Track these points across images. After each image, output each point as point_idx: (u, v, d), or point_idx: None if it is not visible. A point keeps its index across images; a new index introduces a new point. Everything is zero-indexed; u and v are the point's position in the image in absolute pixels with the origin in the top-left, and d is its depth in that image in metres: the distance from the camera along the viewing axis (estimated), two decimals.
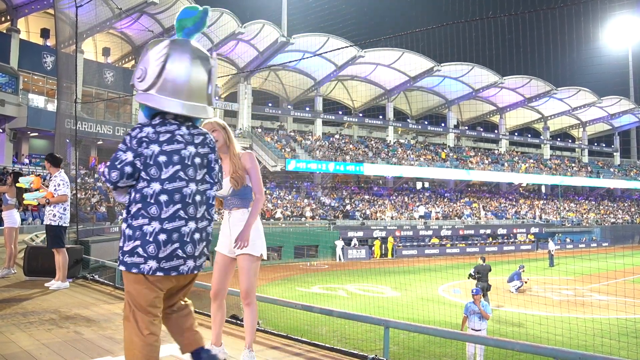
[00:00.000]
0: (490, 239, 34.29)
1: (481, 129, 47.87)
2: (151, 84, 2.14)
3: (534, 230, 36.79)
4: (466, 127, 47.88)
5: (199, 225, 2.20)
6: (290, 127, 40.70)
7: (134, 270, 2.08)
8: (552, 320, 11.08)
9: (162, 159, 2.11)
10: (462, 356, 8.18)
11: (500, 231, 35.40)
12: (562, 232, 38.30)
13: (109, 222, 18.14)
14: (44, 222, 6.07)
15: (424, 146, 43.55)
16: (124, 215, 2.17)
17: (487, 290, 13.46)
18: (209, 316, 4.00)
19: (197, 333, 2.36)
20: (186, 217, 2.14)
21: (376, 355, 3.28)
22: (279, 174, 35.04)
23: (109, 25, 28.72)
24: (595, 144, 54.26)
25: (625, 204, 49.42)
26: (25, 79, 25.41)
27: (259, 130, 36.94)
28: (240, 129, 35.89)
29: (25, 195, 6.16)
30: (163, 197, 2.10)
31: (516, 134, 49.96)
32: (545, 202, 45.34)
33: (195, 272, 2.23)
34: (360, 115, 43.15)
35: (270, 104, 39.71)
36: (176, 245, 2.11)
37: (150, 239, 2.07)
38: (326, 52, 32.43)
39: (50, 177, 6.16)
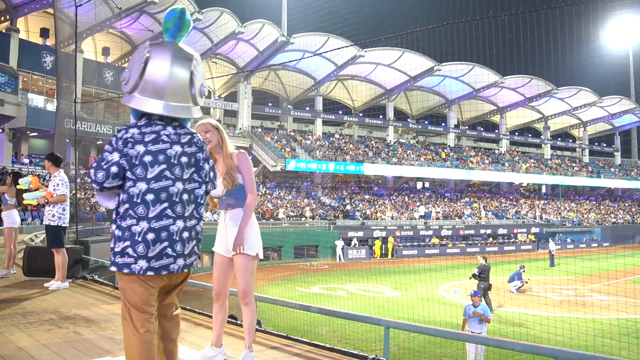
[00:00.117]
0: (491, 239, 34.28)
1: (482, 129, 47.86)
2: (134, 86, 2.18)
3: (534, 230, 36.78)
4: (466, 127, 47.87)
5: (188, 223, 2.22)
6: (290, 127, 40.70)
7: (125, 271, 2.10)
8: (553, 320, 11.07)
9: (147, 158, 2.14)
10: (463, 356, 8.17)
11: (501, 231, 35.38)
12: (562, 232, 38.30)
13: (109, 222, 18.15)
14: (44, 222, 6.07)
15: (424, 146, 43.54)
16: (114, 216, 2.20)
17: (488, 290, 13.44)
18: (210, 316, 3.99)
19: (176, 347, 2.36)
20: (174, 215, 2.16)
21: (376, 356, 3.27)
22: (279, 173, 35.04)
23: (109, 25, 28.71)
24: (596, 143, 54.24)
25: (626, 204, 49.40)
26: (25, 79, 25.39)
27: (259, 130, 36.94)
28: (240, 128, 35.90)
29: (24, 195, 6.15)
30: (149, 197, 2.12)
31: (517, 133, 49.95)
32: (545, 202, 45.33)
33: (186, 270, 2.23)
34: (361, 115, 43.15)
35: (270, 104, 39.72)
36: (165, 244, 2.13)
37: (139, 239, 2.10)
38: (326, 52, 32.44)
39: (49, 177, 6.15)
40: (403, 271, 18.78)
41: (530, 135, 51.08)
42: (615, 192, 51.42)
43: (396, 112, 44.21)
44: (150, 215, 2.12)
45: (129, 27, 30.29)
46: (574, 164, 49.20)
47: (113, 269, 2.14)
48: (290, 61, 32.96)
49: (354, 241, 28.69)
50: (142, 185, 2.13)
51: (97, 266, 7.42)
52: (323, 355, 3.48)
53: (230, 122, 38.17)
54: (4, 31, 24.98)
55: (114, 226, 2.18)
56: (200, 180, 2.31)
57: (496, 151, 47.20)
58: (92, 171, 2.17)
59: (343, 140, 39.88)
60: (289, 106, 40.07)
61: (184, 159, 2.24)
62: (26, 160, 25.15)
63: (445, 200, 40.13)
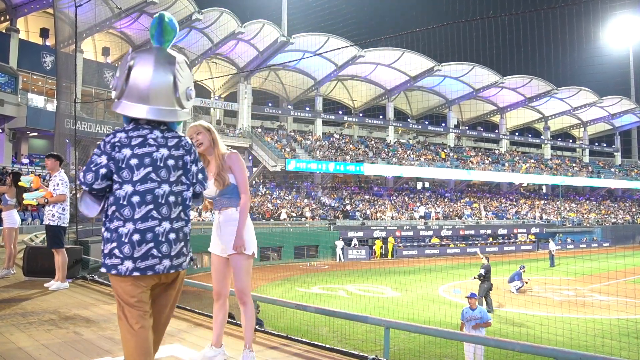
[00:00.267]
0: (491, 239, 34.26)
1: (482, 129, 47.86)
2: (120, 93, 2.25)
3: (534, 230, 36.76)
4: (467, 127, 47.87)
5: (175, 225, 2.26)
6: (290, 127, 40.69)
7: (114, 272, 2.16)
8: (553, 320, 11.07)
9: (133, 161, 2.20)
10: (463, 357, 8.16)
11: (501, 231, 35.37)
12: (562, 232, 38.28)
13: None
14: (44, 222, 6.06)
15: (424, 146, 43.53)
16: (103, 219, 2.26)
17: (490, 290, 13.44)
18: (210, 316, 3.99)
19: (157, 341, 2.41)
20: (159, 217, 2.21)
21: (376, 356, 3.27)
22: (279, 173, 35.05)
23: (109, 25, 28.72)
24: (596, 143, 54.23)
25: (626, 204, 49.39)
26: (25, 79, 25.39)
27: (259, 130, 36.94)
28: (240, 128, 35.90)
29: (25, 195, 6.15)
30: (135, 199, 2.18)
31: (517, 133, 49.95)
32: (546, 202, 45.33)
33: (172, 271, 2.26)
34: (361, 115, 43.15)
35: (270, 104, 39.72)
36: (151, 245, 2.18)
37: (125, 240, 2.15)
38: (326, 52, 32.44)
39: (50, 177, 6.14)
40: (403, 271, 18.78)
41: (530, 135, 51.07)
42: (615, 192, 51.40)
43: (396, 112, 44.21)
44: (136, 216, 2.17)
45: (129, 27, 30.31)
46: (574, 164, 49.19)
47: (103, 270, 2.21)
48: (290, 61, 32.97)
49: (354, 241, 28.68)
50: (128, 188, 2.18)
51: (97, 266, 7.41)
52: (323, 356, 3.48)
53: (230, 122, 38.16)
54: (3, 31, 24.98)
55: (103, 228, 2.23)
56: (188, 182, 2.35)
57: (496, 151, 47.20)
58: (81, 173, 2.24)
59: (343, 141, 39.88)
60: (289, 106, 40.07)
61: (170, 162, 2.28)
62: (26, 161, 25.14)
63: (445, 200, 40.13)
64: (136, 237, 2.15)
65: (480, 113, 47.19)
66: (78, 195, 2.29)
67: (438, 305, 12.76)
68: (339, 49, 26.84)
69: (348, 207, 33.93)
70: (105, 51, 31.19)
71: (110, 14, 27.63)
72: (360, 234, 29.44)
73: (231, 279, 3.22)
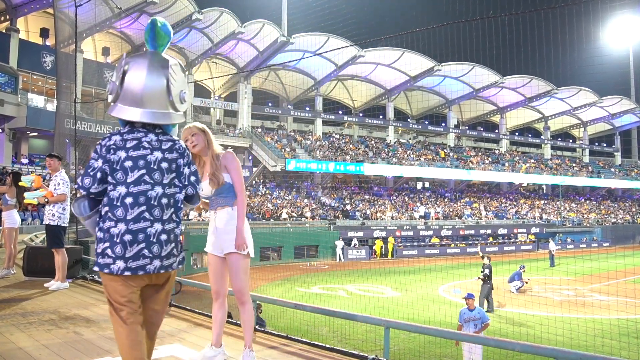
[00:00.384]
0: (491, 239, 34.26)
1: (482, 129, 47.86)
2: (115, 96, 2.32)
3: (534, 230, 36.76)
4: (467, 127, 47.86)
5: (166, 226, 2.31)
6: (290, 127, 40.69)
7: (106, 271, 2.22)
8: (553, 320, 11.07)
9: (128, 164, 2.26)
10: (462, 357, 8.15)
11: (501, 231, 35.37)
12: (562, 232, 38.28)
13: None
14: (44, 222, 6.06)
15: (424, 146, 43.53)
16: (97, 219, 2.32)
17: (491, 290, 13.43)
18: (210, 316, 3.99)
19: (150, 344, 2.44)
20: (151, 218, 2.26)
21: (376, 356, 3.27)
22: (279, 173, 35.04)
23: (109, 25, 28.72)
24: (596, 143, 54.22)
25: (626, 204, 49.40)
26: (25, 79, 25.40)
27: (259, 130, 36.94)
28: (240, 128, 35.90)
29: (25, 194, 6.17)
30: (128, 200, 2.23)
31: (517, 133, 49.94)
32: (546, 202, 45.32)
33: (163, 271, 2.30)
34: (361, 115, 43.14)
35: (270, 104, 39.72)
36: (142, 245, 2.23)
37: (117, 240, 2.21)
38: (326, 52, 32.43)
39: (50, 177, 6.14)
40: (403, 271, 18.78)
41: (530, 135, 51.07)
42: (615, 192, 51.40)
43: (396, 112, 44.21)
44: (129, 217, 2.22)
45: (129, 27, 30.30)
46: (574, 164, 49.19)
47: (96, 268, 2.25)
48: (290, 61, 32.96)
49: (354, 241, 28.69)
50: (121, 189, 2.24)
51: None
52: (323, 355, 3.48)
53: (230, 122, 38.16)
54: (3, 31, 24.98)
55: (96, 228, 2.29)
56: (180, 185, 2.41)
57: (496, 151, 47.20)
58: (80, 178, 2.31)
59: (343, 140, 39.88)
60: (289, 106, 40.07)
61: (164, 165, 2.34)
62: (25, 161, 25.14)
63: (445, 200, 40.13)
64: (128, 237, 2.21)
65: (480, 113, 47.19)
66: (78, 195, 2.30)
67: (438, 305, 12.75)
68: (339, 48, 26.86)
69: (348, 207, 33.93)
70: (105, 51, 31.19)
71: (110, 14, 27.63)
72: (360, 233, 29.44)
73: (228, 278, 3.22)
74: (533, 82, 42.04)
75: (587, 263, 18.52)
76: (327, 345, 3.64)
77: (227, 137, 33.85)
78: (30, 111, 23.92)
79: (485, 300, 13.24)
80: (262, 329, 4.17)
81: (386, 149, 40.15)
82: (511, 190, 45.72)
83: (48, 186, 6.07)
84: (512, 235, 35.66)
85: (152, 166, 2.30)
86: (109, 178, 2.25)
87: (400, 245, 30.10)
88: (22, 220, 12.12)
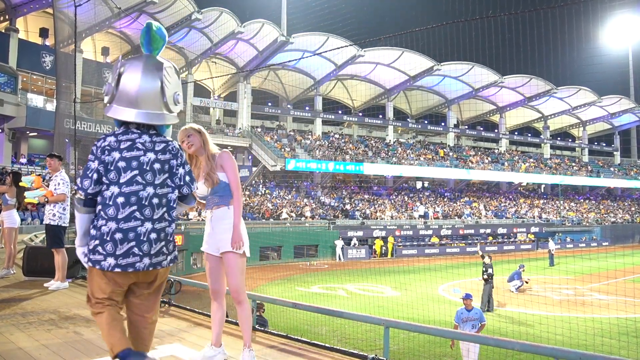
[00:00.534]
0: (491, 238, 34.28)
1: (481, 128, 47.86)
2: (111, 98, 2.40)
3: (534, 229, 36.78)
4: (466, 127, 47.86)
5: (157, 226, 2.37)
6: (290, 127, 40.68)
7: (97, 267, 2.29)
8: (552, 319, 11.08)
9: (121, 164, 2.34)
10: (462, 356, 8.15)
11: (501, 230, 35.39)
12: (562, 231, 38.30)
13: None
14: (44, 222, 6.06)
15: (424, 145, 43.54)
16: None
17: (492, 289, 13.42)
18: (210, 316, 3.99)
19: (147, 349, 2.49)
20: (142, 218, 2.33)
21: (376, 355, 3.28)
22: (279, 173, 35.03)
23: (108, 25, 28.69)
24: (596, 143, 54.24)
25: (626, 203, 49.43)
26: (24, 79, 25.38)
27: (259, 129, 36.93)
28: (240, 128, 35.89)
29: (26, 194, 6.20)
30: (120, 199, 2.31)
31: (516, 133, 49.94)
32: (545, 201, 45.34)
33: (151, 269, 2.36)
34: (360, 114, 43.14)
35: (269, 104, 39.71)
36: (132, 243, 2.30)
37: (108, 238, 2.28)
38: (326, 52, 32.43)
39: (50, 177, 6.14)
40: (403, 271, 18.80)
41: (529, 134, 51.08)
42: (614, 192, 51.44)
43: (396, 112, 44.20)
44: (120, 216, 2.29)
45: (129, 27, 30.27)
46: (573, 164, 49.21)
47: (88, 264, 2.33)
48: (289, 61, 32.96)
49: (354, 241, 28.70)
50: (114, 189, 2.32)
51: None
52: (323, 355, 3.48)
53: (230, 122, 38.15)
54: (3, 31, 24.96)
55: (90, 226, 2.37)
56: (173, 185, 2.47)
57: (496, 151, 47.21)
58: (79, 180, 2.40)
59: (342, 140, 39.88)
60: (289, 106, 40.06)
61: (156, 166, 2.41)
62: (25, 160, 25.13)
63: (445, 199, 40.14)
64: (119, 235, 2.28)
65: (479, 112, 47.22)
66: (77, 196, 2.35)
67: (438, 305, 12.75)
68: (338, 48, 26.88)
69: (348, 207, 33.94)
70: (105, 51, 31.16)
71: (109, 14, 27.60)
72: (360, 233, 29.45)
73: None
74: (532, 82, 42.04)
75: (587, 262, 18.54)
76: (327, 345, 3.65)
77: (226, 136, 33.85)
78: (30, 111, 23.90)
79: (487, 300, 13.24)
80: (264, 328, 4.17)
81: (386, 149, 40.16)
82: (511, 189, 45.74)
83: (48, 186, 6.07)
84: (511, 234, 35.68)
85: (144, 167, 2.36)
86: (103, 178, 2.33)
87: (399, 244, 30.11)
88: (22, 220, 12.12)
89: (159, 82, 2.41)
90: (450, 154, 42.79)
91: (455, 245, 32.21)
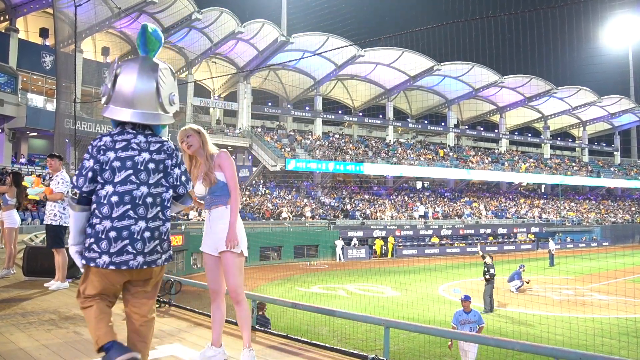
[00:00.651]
0: (491, 238, 34.26)
1: (481, 128, 47.86)
2: (108, 98, 2.44)
3: (534, 229, 36.77)
4: (466, 127, 47.86)
5: (150, 224, 2.40)
6: (290, 127, 40.69)
7: (92, 265, 2.32)
8: (553, 319, 11.08)
9: (116, 164, 2.37)
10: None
11: (501, 231, 35.38)
12: (562, 231, 38.29)
13: None
14: (44, 222, 6.06)
15: (424, 146, 43.54)
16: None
17: (492, 289, 13.42)
18: (209, 316, 3.99)
19: (147, 349, 2.50)
20: (135, 216, 2.36)
21: (376, 355, 3.28)
22: (279, 173, 35.03)
23: (108, 25, 28.70)
24: (596, 143, 54.23)
25: (626, 204, 49.42)
26: (24, 79, 25.38)
27: (259, 129, 36.94)
28: (240, 128, 35.89)
29: (27, 191, 6.32)
30: (114, 199, 2.34)
31: (516, 133, 49.94)
32: (545, 201, 45.34)
33: (145, 267, 2.39)
34: (360, 114, 43.13)
35: (270, 104, 39.72)
36: (126, 242, 2.33)
37: (102, 236, 2.32)
38: (326, 52, 32.43)
39: (50, 177, 6.14)
40: (403, 271, 18.80)
41: (529, 134, 51.07)
42: (614, 192, 51.43)
43: (396, 112, 44.20)
44: (114, 215, 2.33)
45: (129, 26, 30.28)
46: (573, 164, 49.21)
47: (83, 262, 2.36)
48: (289, 61, 32.94)
49: (354, 241, 28.70)
50: (109, 188, 2.36)
51: None
52: (323, 355, 3.48)
53: (230, 122, 38.16)
54: (3, 31, 24.97)
55: (87, 224, 2.41)
56: (167, 185, 2.50)
57: (496, 151, 47.21)
58: (74, 178, 2.44)
59: (343, 140, 39.88)
60: (289, 106, 40.06)
61: (151, 165, 2.44)
62: (25, 160, 25.13)
63: (445, 199, 40.14)
64: (113, 234, 2.31)
65: (479, 112, 47.22)
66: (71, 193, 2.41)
67: (438, 305, 12.75)
68: (338, 48, 26.86)
69: (348, 207, 33.94)
70: (105, 51, 31.18)
71: (109, 14, 27.61)
72: (360, 233, 29.45)
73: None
74: (532, 82, 42.04)
75: (587, 262, 18.54)
76: (327, 345, 3.65)
77: (226, 136, 33.85)
78: (30, 111, 23.90)
79: (489, 300, 13.23)
80: (265, 328, 4.17)
81: (386, 149, 40.16)
82: (511, 189, 45.73)
83: (48, 185, 6.09)
84: (511, 234, 35.66)
85: (138, 167, 2.40)
86: (98, 177, 2.37)
87: (400, 244, 30.11)
88: (22, 220, 12.12)
89: (154, 83, 2.45)
90: (451, 154, 42.79)
91: (455, 245, 32.21)
